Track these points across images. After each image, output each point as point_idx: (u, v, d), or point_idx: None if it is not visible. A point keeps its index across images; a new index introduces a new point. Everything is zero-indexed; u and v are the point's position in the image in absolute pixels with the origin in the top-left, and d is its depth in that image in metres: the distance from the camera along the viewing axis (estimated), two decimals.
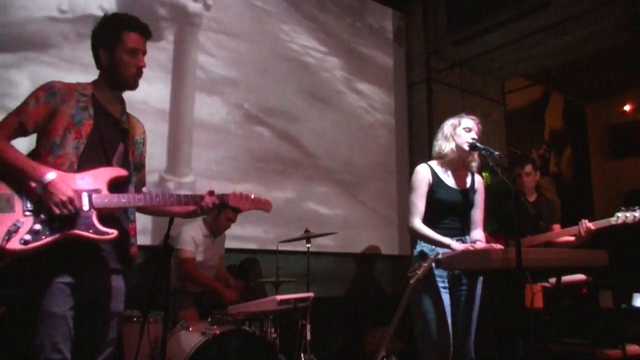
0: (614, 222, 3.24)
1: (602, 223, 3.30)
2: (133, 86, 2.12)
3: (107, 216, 1.95)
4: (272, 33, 4.84)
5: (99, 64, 2.10)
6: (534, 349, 3.19)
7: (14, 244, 1.73)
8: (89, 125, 1.98)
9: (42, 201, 1.82)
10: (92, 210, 1.89)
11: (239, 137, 4.46)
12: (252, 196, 2.27)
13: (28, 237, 1.76)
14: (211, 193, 2.17)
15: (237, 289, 3.78)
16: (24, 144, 2.02)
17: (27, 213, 1.81)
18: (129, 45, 2.04)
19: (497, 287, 3.06)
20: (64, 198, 1.81)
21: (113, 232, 1.90)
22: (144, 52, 2.11)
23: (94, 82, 2.11)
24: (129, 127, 2.16)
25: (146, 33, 2.11)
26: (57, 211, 1.80)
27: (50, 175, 1.83)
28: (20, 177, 1.84)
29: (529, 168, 3.87)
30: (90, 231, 1.86)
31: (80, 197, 1.88)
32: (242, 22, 4.63)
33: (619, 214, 3.22)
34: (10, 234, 1.73)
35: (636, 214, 3.18)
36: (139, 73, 2.09)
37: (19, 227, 1.75)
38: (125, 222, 2.06)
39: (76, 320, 1.88)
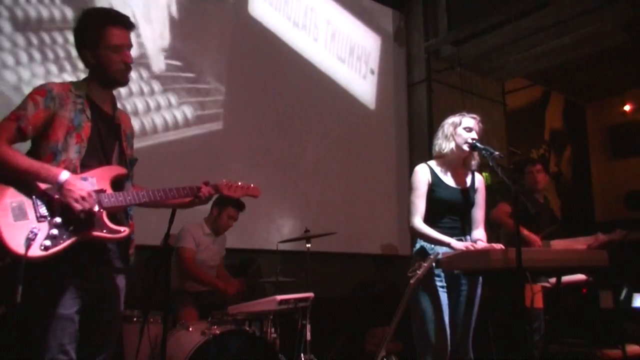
0: None
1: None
2: (123, 83, 2.09)
3: (111, 215, 1.95)
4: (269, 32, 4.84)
5: (86, 63, 2.05)
6: (534, 349, 3.19)
7: (35, 251, 1.73)
8: (88, 127, 1.96)
9: (54, 203, 1.82)
10: (102, 210, 1.90)
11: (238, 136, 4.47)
12: (239, 183, 2.29)
13: (48, 242, 1.76)
14: (206, 183, 2.19)
15: (237, 286, 3.76)
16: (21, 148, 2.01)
17: (42, 218, 1.80)
18: (112, 42, 1.97)
19: (497, 287, 3.06)
20: (84, 194, 1.82)
21: (125, 230, 1.92)
22: (129, 46, 2.04)
23: (86, 81, 2.06)
24: (121, 122, 2.14)
25: (128, 25, 2.04)
26: (79, 207, 1.80)
27: (64, 174, 1.83)
28: (31, 181, 1.82)
29: (539, 166, 3.93)
30: (104, 231, 1.88)
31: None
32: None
33: None
34: (29, 241, 1.72)
35: None
36: (127, 69, 2.04)
37: (36, 234, 1.74)
38: (125, 220, 2.06)
39: (81, 321, 1.88)
